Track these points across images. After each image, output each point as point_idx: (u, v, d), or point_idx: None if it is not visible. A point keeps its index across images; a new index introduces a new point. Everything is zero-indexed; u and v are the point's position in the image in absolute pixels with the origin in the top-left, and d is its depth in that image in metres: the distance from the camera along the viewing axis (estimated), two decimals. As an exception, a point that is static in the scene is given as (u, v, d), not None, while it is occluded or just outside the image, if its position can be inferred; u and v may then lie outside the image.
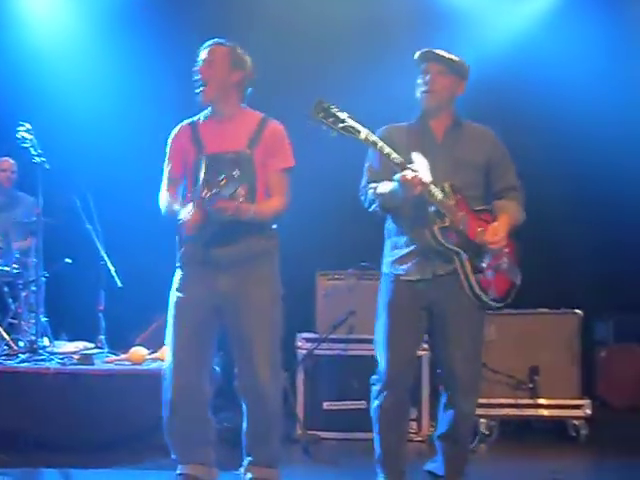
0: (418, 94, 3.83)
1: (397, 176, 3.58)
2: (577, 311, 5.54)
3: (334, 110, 3.51)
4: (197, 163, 3.77)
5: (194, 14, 6.12)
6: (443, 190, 3.67)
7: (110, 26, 6.28)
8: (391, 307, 3.82)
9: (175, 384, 3.80)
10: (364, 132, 3.54)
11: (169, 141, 3.95)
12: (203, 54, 3.84)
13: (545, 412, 5.47)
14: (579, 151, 6.21)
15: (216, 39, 3.89)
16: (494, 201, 3.88)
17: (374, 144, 3.57)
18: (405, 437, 4.01)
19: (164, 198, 3.89)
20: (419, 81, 3.82)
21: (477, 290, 3.75)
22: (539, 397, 5.44)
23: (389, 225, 3.90)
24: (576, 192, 6.40)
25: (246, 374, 3.83)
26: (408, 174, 3.54)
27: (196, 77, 3.82)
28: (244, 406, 3.88)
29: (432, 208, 3.65)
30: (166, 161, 3.94)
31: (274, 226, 3.89)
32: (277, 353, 3.87)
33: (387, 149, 3.58)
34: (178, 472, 3.87)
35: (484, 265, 3.76)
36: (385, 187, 3.71)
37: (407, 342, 3.81)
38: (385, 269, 3.91)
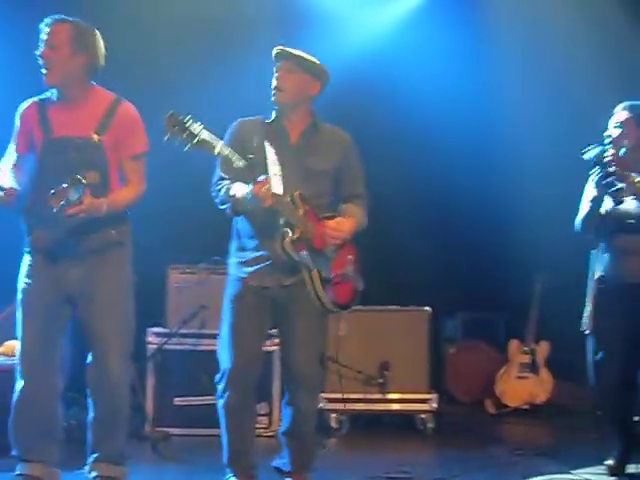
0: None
1: (249, 188, 3.55)
2: (426, 308, 5.67)
3: (188, 124, 3.41)
4: (44, 148, 3.64)
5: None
6: (292, 200, 3.67)
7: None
8: (235, 305, 3.80)
9: (23, 375, 3.68)
10: (218, 146, 3.49)
11: (17, 116, 3.77)
12: (44, 35, 3.64)
13: (394, 406, 5.57)
14: (428, 155, 6.25)
15: (57, 16, 3.66)
16: (341, 204, 3.92)
17: (227, 157, 3.52)
18: (252, 434, 3.98)
19: (4, 174, 3.64)
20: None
21: (324, 300, 3.76)
22: (389, 392, 5.54)
23: (238, 225, 3.86)
24: (425, 193, 6.49)
25: (97, 366, 3.73)
26: (259, 187, 3.52)
27: (39, 60, 3.64)
28: (90, 399, 3.78)
29: (282, 220, 3.64)
30: (13, 136, 3.76)
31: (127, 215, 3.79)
32: (128, 345, 3.79)
33: (240, 163, 3.53)
34: (17, 472, 3.73)
35: (332, 275, 3.78)
36: (237, 190, 3.66)
37: (251, 339, 3.79)
38: (231, 270, 3.88)
